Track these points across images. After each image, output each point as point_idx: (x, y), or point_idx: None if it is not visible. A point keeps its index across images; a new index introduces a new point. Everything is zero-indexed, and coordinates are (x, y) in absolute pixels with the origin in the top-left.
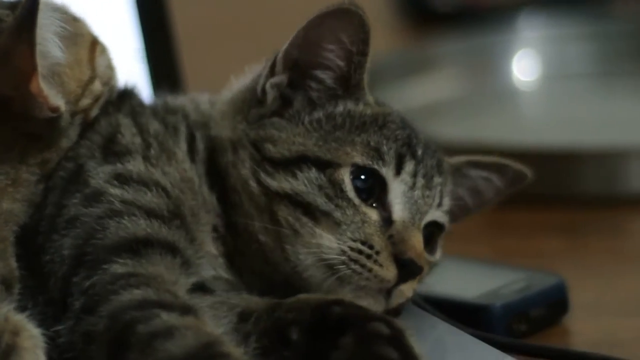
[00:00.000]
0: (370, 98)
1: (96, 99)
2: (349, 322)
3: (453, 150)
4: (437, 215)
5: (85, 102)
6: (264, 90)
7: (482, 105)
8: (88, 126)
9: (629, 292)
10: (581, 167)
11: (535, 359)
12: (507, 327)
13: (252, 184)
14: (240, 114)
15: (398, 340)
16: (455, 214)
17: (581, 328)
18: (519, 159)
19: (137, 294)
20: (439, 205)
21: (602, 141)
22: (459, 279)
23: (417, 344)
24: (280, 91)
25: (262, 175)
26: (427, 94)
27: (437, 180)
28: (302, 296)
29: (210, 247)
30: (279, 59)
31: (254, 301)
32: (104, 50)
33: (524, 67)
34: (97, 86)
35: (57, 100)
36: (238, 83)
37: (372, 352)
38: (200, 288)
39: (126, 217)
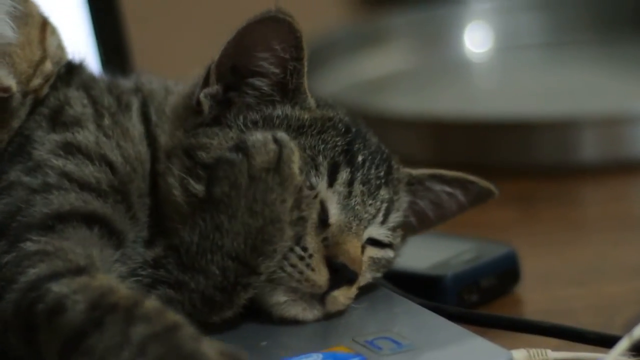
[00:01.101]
0: (311, 101)
1: (47, 79)
2: None
3: (406, 122)
4: (380, 233)
5: (36, 82)
6: (198, 101)
7: (435, 77)
8: (37, 103)
9: (580, 262)
10: (533, 137)
11: (486, 328)
12: (458, 298)
13: (177, 192)
14: (180, 120)
15: None
16: (415, 226)
17: (532, 297)
18: (473, 129)
19: (32, 273)
20: (384, 222)
21: (554, 111)
22: (409, 250)
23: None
24: (216, 101)
25: (192, 182)
26: (379, 66)
27: (385, 194)
28: None
29: (145, 233)
30: (212, 69)
31: None
32: (54, 30)
33: (476, 38)
34: (48, 66)
35: (8, 80)
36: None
37: None
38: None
39: (55, 192)
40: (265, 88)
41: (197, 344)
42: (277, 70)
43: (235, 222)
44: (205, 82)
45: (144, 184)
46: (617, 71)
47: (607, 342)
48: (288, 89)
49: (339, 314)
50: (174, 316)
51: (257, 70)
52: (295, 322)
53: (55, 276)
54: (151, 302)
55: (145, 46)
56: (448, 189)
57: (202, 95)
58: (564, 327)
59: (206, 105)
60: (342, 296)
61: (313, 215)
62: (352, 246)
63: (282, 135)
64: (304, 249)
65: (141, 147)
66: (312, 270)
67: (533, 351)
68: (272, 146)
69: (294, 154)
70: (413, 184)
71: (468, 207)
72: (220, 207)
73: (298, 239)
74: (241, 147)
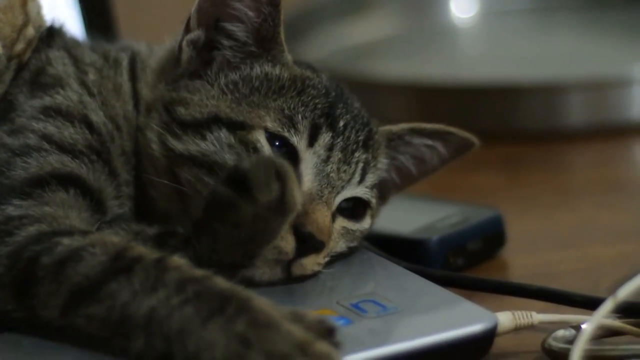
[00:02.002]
0: (288, 56)
1: (29, 44)
2: None
3: (393, 87)
4: (358, 191)
5: (19, 46)
6: (180, 49)
7: (421, 42)
8: (20, 68)
9: (566, 225)
10: (520, 102)
11: (472, 291)
12: (444, 261)
13: (155, 147)
14: (162, 74)
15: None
16: (398, 183)
17: (518, 261)
18: (459, 95)
19: (32, 230)
20: (361, 181)
21: (541, 76)
22: (396, 214)
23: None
24: (197, 50)
25: (169, 138)
26: (366, 32)
27: (360, 156)
28: None
29: (130, 189)
30: (192, 13)
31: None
32: None
33: (462, 3)
34: (30, 31)
35: None
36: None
37: None
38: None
39: (34, 154)
40: (240, 34)
41: (230, 285)
42: (251, 14)
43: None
44: (187, 29)
45: (129, 142)
46: (604, 36)
47: (592, 304)
48: (264, 38)
49: (315, 277)
50: (201, 270)
51: (231, 13)
52: (251, 283)
53: (63, 233)
54: (177, 258)
55: (130, 16)
56: (428, 141)
57: (184, 43)
58: (549, 290)
59: (187, 53)
60: (310, 263)
61: None
62: (321, 215)
63: (283, 165)
64: None
65: (129, 105)
66: (280, 237)
67: (518, 313)
68: (275, 186)
69: (296, 186)
70: (393, 139)
71: (450, 159)
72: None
73: None
74: (239, 182)
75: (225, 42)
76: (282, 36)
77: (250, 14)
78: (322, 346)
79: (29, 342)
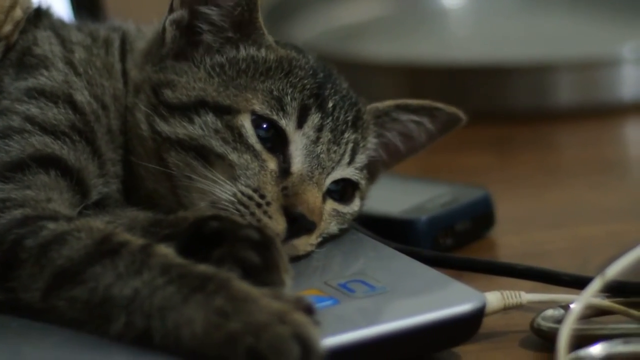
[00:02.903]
0: (269, 38)
1: (17, 26)
2: (224, 236)
3: (382, 68)
4: (348, 172)
5: (7, 28)
6: (164, 28)
7: (410, 23)
8: (7, 50)
9: (555, 205)
10: (509, 82)
11: (461, 272)
12: (433, 241)
13: (144, 127)
14: (149, 55)
15: (264, 246)
16: (385, 160)
17: (508, 241)
18: (448, 75)
19: (16, 213)
20: (350, 162)
21: (530, 56)
22: (385, 194)
23: (286, 256)
24: (180, 30)
25: (157, 120)
26: (355, 13)
27: (350, 136)
28: (183, 213)
29: (117, 168)
30: None
31: (140, 217)
32: None
33: None
34: (18, 12)
35: None
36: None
37: (236, 255)
38: (95, 204)
39: (17, 137)
40: (216, 18)
41: (213, 269)
42: None
43: None
44: (171, 9)
45: (117, 120)
46: (593, 16)
47: (581, 283)
48: (241, 23)
49: (307, 257)
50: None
51: None
52: None
53: (48, 217)
54: (162, 246)
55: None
56: (415, 117)
57: (167, 22)
58: (538, 269)
59: (170, 32)
60: (302, 244)
61: (272, 166)
62: (312, 196)
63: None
64: (262, 197)
65: (119, 83)
66: (270, 217)
67: (507, 293)
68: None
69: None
70: (380, 116)
71: (437, 135)
72: None
73: (257, 187)
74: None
75: (204, 27)
76: (260, 19)
77: None
78: (299, 316)
79: (18, 323)
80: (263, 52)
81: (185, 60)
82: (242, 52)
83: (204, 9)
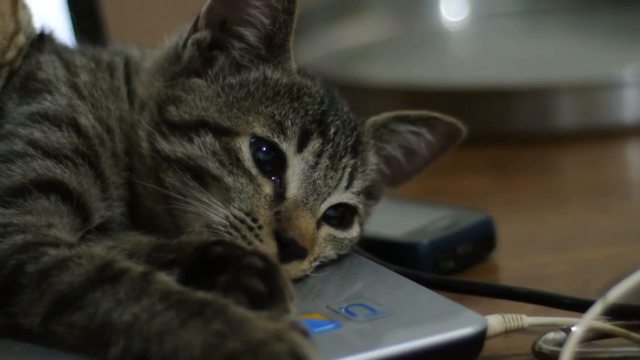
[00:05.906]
0: (293, 65)
1: (20, 52)
2: (228, 261)
3: (383, 90)
4: (344, 197)
5: (10, 54)
6: (185, 46)
7: (412, 46)
8: (11, 76)
9: (555, 228)
10: (510, 105)
11: (462, 295)
12: (434, 264)
13: (144, 145)
14: (161, 71)
15: (269, 274)
16: (390, 177)
17: (508, 264)
18: (449, 98)
19: (17, 239)
20: (348, 186)
21: (531, 78)
22: (386, 218)
23: (290, 283)
24: (200, 50)
25: (158, 138)
26: (357, 36)
27: (348, 161)
28: (186, 238)
29: (121, 191)
30: (202, 13)
31: (143, 242)
32: (25, 5)
33: (452, 7)
34: (21, 39)
35: None
36: (169, 41)
37: (241, 283)
38: (98, 227)
39: (19, 161)
40: (252, 39)
41: (212, 296)
42: (267, 21)
43: None
44: (194, 28)
45: (123, 143)
46: (593, 38)
47: (582, 306)
48: (274, 44)
49: (303, 281)
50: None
51: (247, 19)
52: None
53: (49, 244)
54: (162, 274)
55: (119, 18)
56: (413, 128)
57: (190, 41)
58: (539, 293)
59: (189, 51)
60: (293, 269)
61: (267, 190)
62: (304, 222)
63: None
64: (254, 220)
65: (125, 105)
66: (261, 241)
67: (508, 316)
68: None
69: None
70: (378, 129)
71: (439, 149)
72: None
73: (250, 211)
74: None
75: (237, 44)
76: (291, 44)
77: (266, 20)
78: (296, 334)
79: (20, 347)
80: (277, 74)
81: (197, 77)
82: (256, 74)
83: (241, 30)
